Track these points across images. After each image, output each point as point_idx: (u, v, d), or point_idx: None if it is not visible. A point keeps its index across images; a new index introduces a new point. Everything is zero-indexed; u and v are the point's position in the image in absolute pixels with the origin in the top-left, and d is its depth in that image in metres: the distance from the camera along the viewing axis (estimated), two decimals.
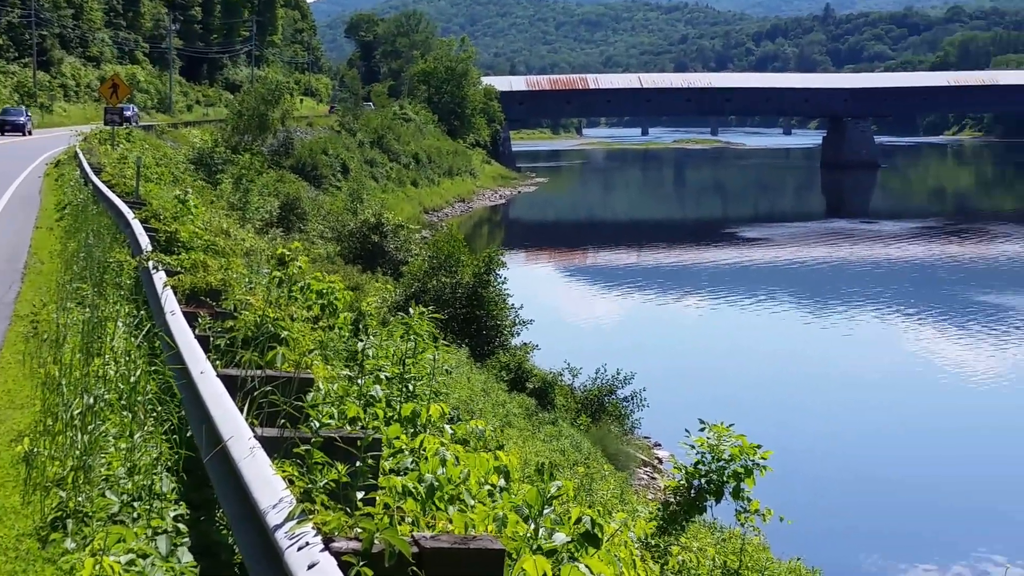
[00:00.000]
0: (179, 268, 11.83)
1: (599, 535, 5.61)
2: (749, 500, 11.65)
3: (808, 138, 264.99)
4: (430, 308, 12.45)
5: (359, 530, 4.32)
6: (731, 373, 37.34)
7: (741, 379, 36.39)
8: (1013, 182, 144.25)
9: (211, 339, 8.57)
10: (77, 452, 6.83)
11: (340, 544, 4.28)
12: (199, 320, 9.26)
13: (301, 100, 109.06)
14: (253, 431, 5.82)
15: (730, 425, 11.89)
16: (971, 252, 70.36)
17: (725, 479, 11.96)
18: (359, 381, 8.55)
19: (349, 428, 6.63)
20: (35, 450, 6.99)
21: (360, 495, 5.27)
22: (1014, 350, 40.50)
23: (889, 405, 33.28)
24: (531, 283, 54.78)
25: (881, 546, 22.71)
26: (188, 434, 7.39)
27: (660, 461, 26.84)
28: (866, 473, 26.89)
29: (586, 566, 4.85)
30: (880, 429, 30.85)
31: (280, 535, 4.44)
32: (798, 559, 14.93)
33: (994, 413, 32.28)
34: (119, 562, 5.36)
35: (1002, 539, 23.03)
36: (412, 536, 4.40)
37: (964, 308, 49.65)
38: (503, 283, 30.55)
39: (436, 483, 5.73)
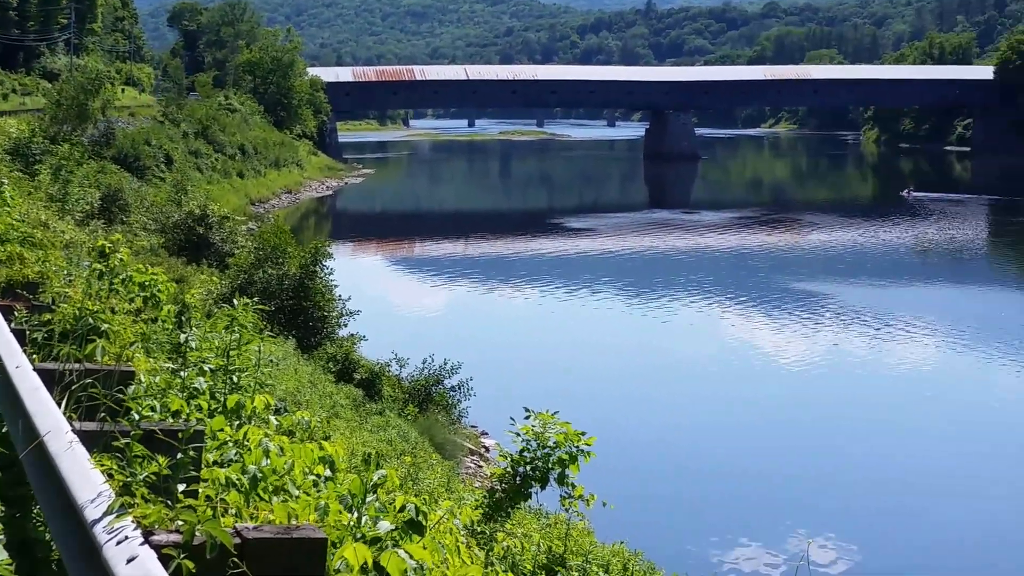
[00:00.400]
0: None
1: (423, 522, 5.65)
2: (574, 486, 11.86)
3: (631, 130, 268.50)
4: (256, 300, 12.32)
5: (180, 523, 4.26)
6: (558, 362, 38.05)
7: (568, 368, 37.14)
8: (825, 173, 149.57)
9: (27, 333, 8.34)
10: None
11: (160, 537, 4.22)
12: (15, 313, 8.99)
13: (123, 90, 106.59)
14: (71, 425, 5.68)
15: (555, 413, 12.07)
16: (786, 240, 72.77)
17: (550, 466, 12.11)
18: (182, 373, 8.43)
19: (171, 421, 6.52)
20: None
21: (182, 488, 5.18)
22: (826, 336, 42.15)
23: (712, 393, 34.38)
24: (358, 274, 54.89)
25: (700, 528, 23.98)
26: (3, 430, 7.18)
27: (487, 449, 27.14)
28: (689, 459, 27.88)
29: (406, 552, 4.88)
30: (703, 417, 31.92)
31: (98, 530, 4.36)
32: (621, 543, 15.33)
33: (808, 400, 33.58)
34: None
35: (808, 518, 24.85)
36: (234, 527, 4.36)
37: (781, 295, 51.87)
38: (330, 274, 30.45)
39: (260, 474, 5.68)
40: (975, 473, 27.01)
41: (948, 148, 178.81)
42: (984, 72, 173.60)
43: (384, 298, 50.48)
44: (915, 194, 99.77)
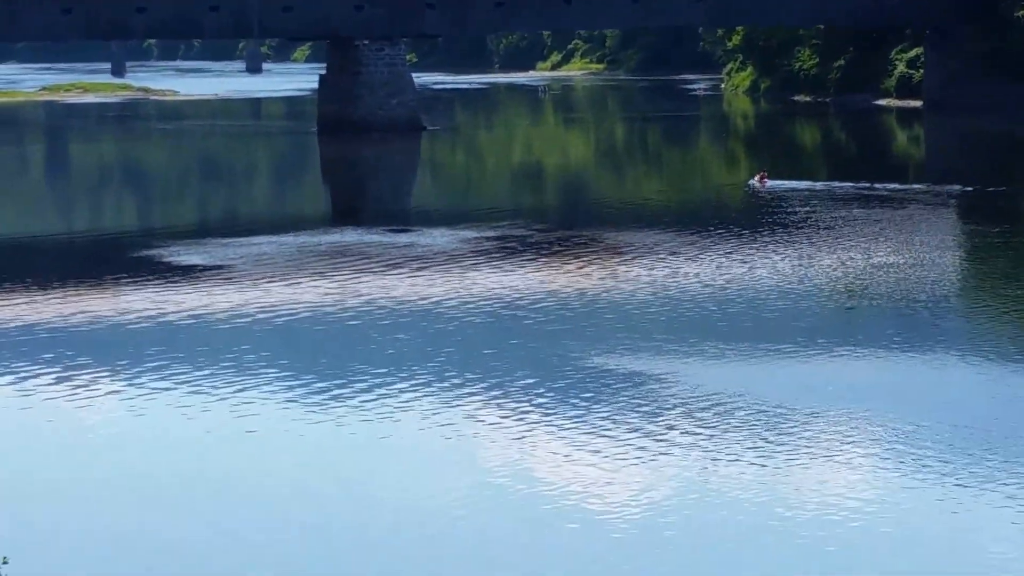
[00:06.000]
0: None
1: None
2: None
3: (294, 78, 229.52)
4: None
5: None
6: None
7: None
8: (658, 151, 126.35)
9: None
10: None
11: None
12: None
13: None
14: None
15: None
16: (578, 278, 54.15)
17: None
18: None
19: None
20: None
21: None
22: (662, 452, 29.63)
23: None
24: None
25: None
26: None
27: None
28: None
29: None
30: None
31: None
32: None
33: None
34: None
35: None
36: None
37: (570, 379, 37.33)
38: None
39: None
40: None
41: (881, 102, 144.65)
42: None
43: None
44: (771, 183, 79.64)
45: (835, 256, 59.58)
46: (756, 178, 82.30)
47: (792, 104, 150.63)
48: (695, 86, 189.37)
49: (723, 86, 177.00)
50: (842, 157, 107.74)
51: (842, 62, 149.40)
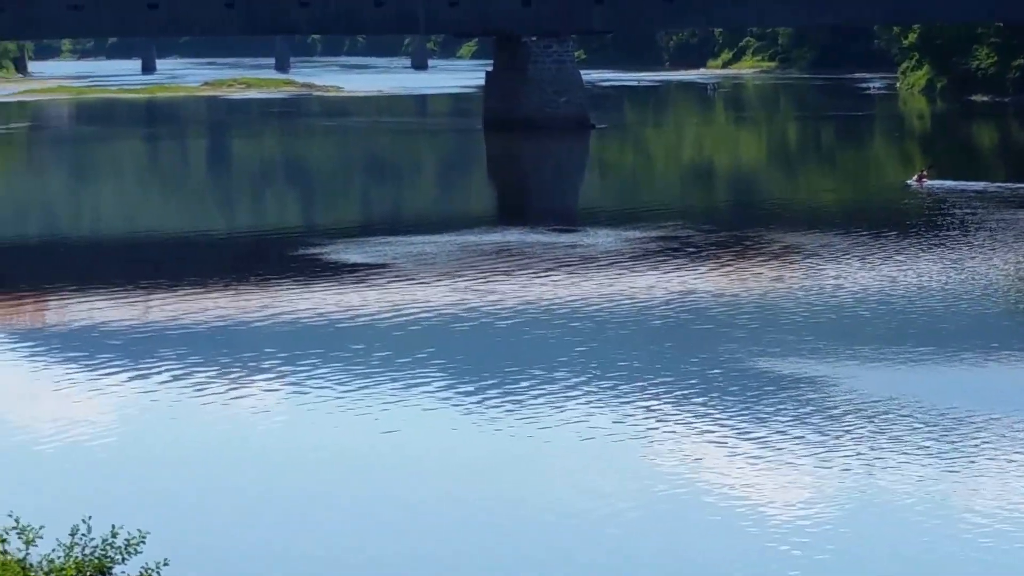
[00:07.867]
0: None
1: None
2: None
3: (461, 75, 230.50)
4: None
5: None
6: (329, 509, 29.76)
7: (352, 520, 29.64)
8: (830, 151, 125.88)
9: None
10: None
11: None
12: None
13: None
14: None
15: None
16: (756, 282, 54.57)
17: None
18: None
19: None
20: None
21: None
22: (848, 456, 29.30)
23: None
24: None
25: None
26: None
27: None
28: None
29: None
30: None
31: None
32: None
33: None
34: None
35: None
36: None
37: (749, 385, 38.00)
38: None
39: None
40: None
41: None
42: None
43: None
44: (929, 183, 79.85)
45: (995, 259, 57.75)
46: (915, 178, 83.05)
47: (969, 104, 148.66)
48: (869, 85, 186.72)
49: (898, 85, 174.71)
50: (1018, 158, 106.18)
51: (1021, 61, 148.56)
